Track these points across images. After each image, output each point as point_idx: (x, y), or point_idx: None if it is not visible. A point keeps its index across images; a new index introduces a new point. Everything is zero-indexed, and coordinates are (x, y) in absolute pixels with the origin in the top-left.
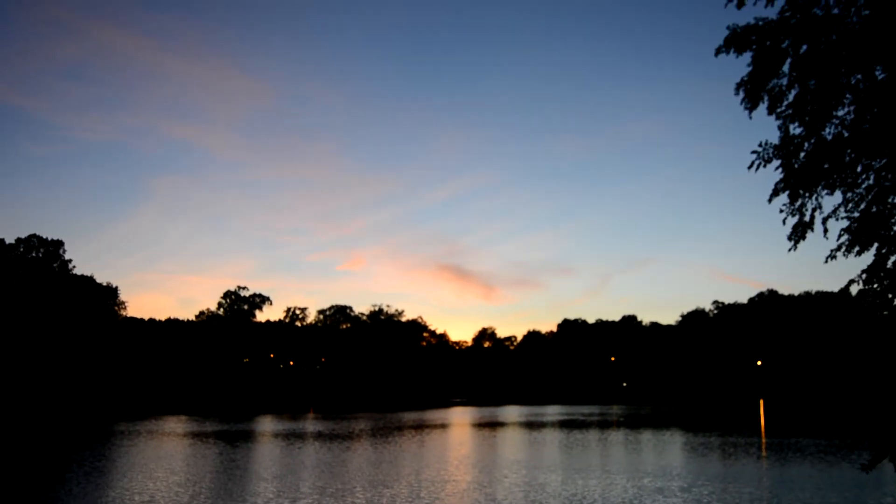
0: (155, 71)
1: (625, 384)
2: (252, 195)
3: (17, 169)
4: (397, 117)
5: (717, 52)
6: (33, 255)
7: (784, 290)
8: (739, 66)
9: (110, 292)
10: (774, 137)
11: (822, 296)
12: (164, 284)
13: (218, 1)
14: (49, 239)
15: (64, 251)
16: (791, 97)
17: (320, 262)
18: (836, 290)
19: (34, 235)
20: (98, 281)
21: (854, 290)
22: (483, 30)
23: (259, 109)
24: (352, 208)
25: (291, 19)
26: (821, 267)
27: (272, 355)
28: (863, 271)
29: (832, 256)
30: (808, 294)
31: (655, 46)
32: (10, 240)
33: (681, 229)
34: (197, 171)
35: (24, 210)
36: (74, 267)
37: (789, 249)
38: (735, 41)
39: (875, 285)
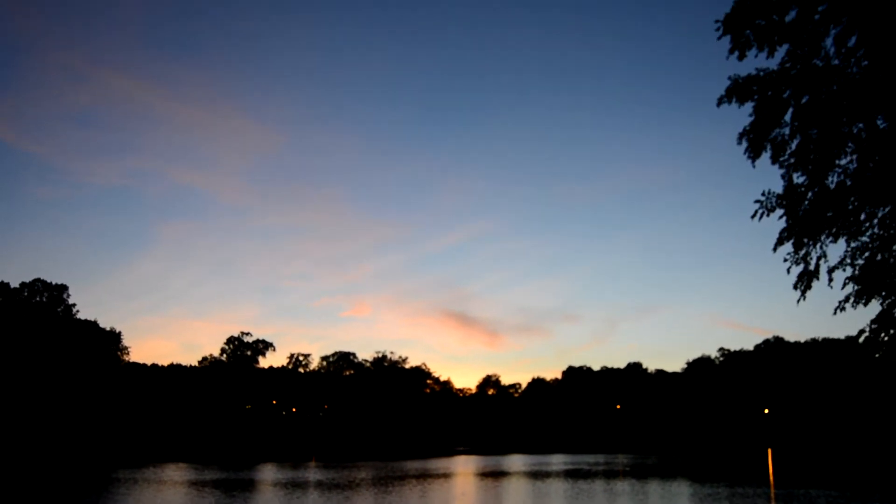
0: (163, 117)
1: (631, 433)
2: (258, 240)
3: (24, 212)
4: (403, 163)
5: (720, 101)
6: (37, 299)
7: (790, 337)
8: (742, 114)
9: (113, 337)
10: (778, 185)
11: (829, 343)
12: (167, 329)
13: (227, 48)
14: (53, 283)
15: (68, 295)
16: (793, 146)
17: (325, 308)
18: (843, 337)
19: (39, 280)
20: (101, 326)
21: (862, 338)
22: (489, 77)
23: (266, 155)
24: (357, 254)
25: (300, 67)
26: (827, 313)
27: (274, 402)
28: (872, 321)
29: (841, 308)
30: (814, 341)
31: (660, 94)
32: (14, 284)
33: (686, 276)
34: (203, 216)
35: (30, 254)
36: (78, 311)
37: (797, 300)
38: (737, 91)
39: (883, 335)
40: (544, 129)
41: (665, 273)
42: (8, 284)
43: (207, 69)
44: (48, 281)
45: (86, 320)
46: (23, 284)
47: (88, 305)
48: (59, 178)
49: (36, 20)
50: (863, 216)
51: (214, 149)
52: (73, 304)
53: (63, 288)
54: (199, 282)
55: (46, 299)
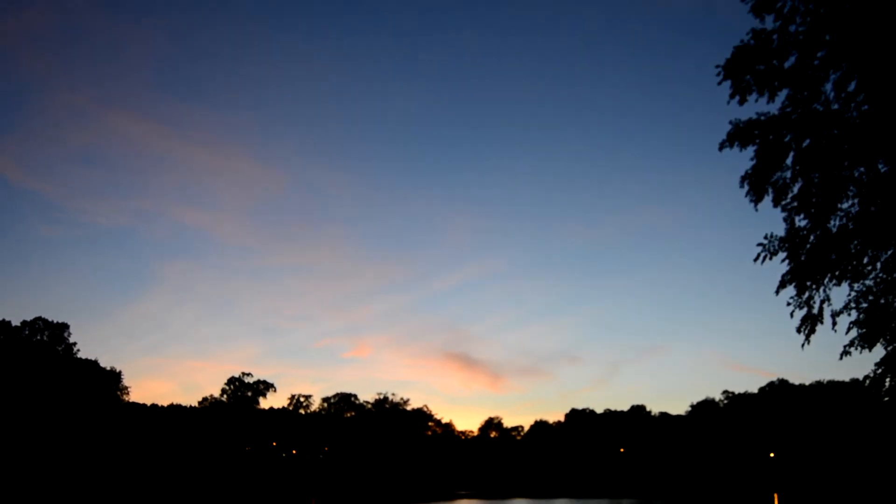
0: (167, 157)
1: (634, 477)
2: (260, 281)
3: (28, 251)
4: (406, 205)
5: (721, 146)
6: (38, 338)
7: (795, 379)
8: (744, 157)
9: (114, 377)
10: (780, 227)
11: (834, 386)
12: (168, 369)
13: (232, 90)
14: (55, 322)
15: (69, 334)
16: (795, 190)
17: (326, 349)
18: (848, 379)
19: (40, 318)
20: (102, 365)
21: (867, 381)
22: (492, 118)
23: (269, 195)
24: (359, 295)
25: (303, 108)
26: (833, 355)
27: (274, 444)
28: (876, 365)
29: (846, 352)
30: (819, 384)
31: (663, 136)
32: (16, 322)
33: (690, 317)
34: (205, 256)
35: (32, 292)
36: (79, 351)
37: (802, 345)
38: (739, 136)
39: (889, 379)
40: (547, 169)
41: (668, 315)
42: (9, 323)
43: (213, 110)
44: (49, 320)
45: (86, 360)
46: (24, 323)
47: (89, 344)
48: (64, 216)
49: (46, 62)
50: (866, 260)
51: (218, 189)
52: (74, 343)
53: (64, 327)
54: (199, 321)
55: (47, 338)
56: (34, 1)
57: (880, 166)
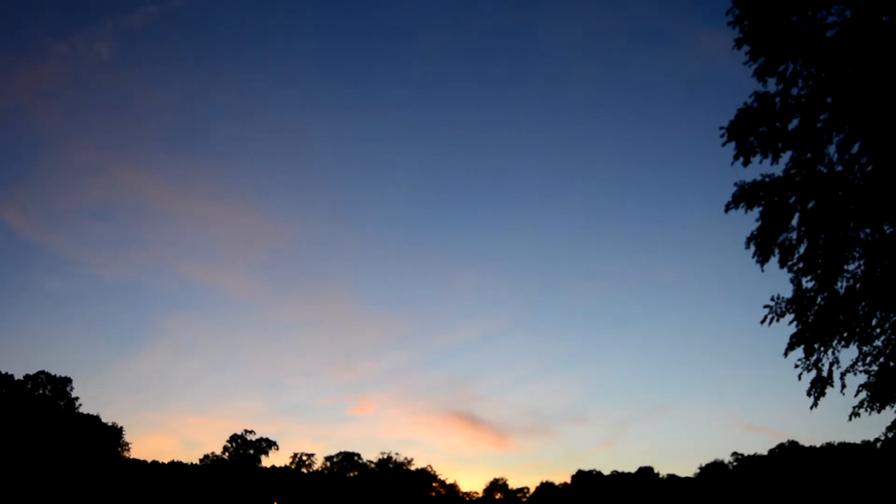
0: (174, 210)
1: None
2: (263, 335)
3: (32, 303)
4: (411, 261)
5: (727, 207)
6: (41, 392)
7: (805, 440)
8: (750, 217)
9: (115, 433)
10: (788, 286)
11: (845, 447)
12: (169, 425)
13: (240, 144)
14: (57, 376)
15: (71, 388)
16: (801, 251)
17: (329, 406)
18: (859, 441)
19: (42, 372)
20: (104, 420)
21: (878, 444)
22: (496, 177)
23: (275, 250)
24: (363, 351)
25: (311, 164)
26: (843, 415)
27: (276, 503)
28: (888, 428)
29: (855, 414)
30: (830, 445)
31: (668, 193)
32: (19, 376)
33: (698, 376)
34: (210, 309)
35: (35, 344)
36: (81, 405)
37: (811, 407)
38: (744, 197)
39: None
40: (553, 226)
41: (675, 373)
42: (12, 376)
43: (220, 165)
44: (52, 374)
45: (88, 415)
46: (27, 377)
47: (91, 398)
48: (69, 269)
49: (57, 115)
50: (874, 321)
51: (223, 243)
52: (77, 398)
53: (67, 381)
54: (202, 376)
55: (50, 392)
56: (48, 57)
57: (886, 228)
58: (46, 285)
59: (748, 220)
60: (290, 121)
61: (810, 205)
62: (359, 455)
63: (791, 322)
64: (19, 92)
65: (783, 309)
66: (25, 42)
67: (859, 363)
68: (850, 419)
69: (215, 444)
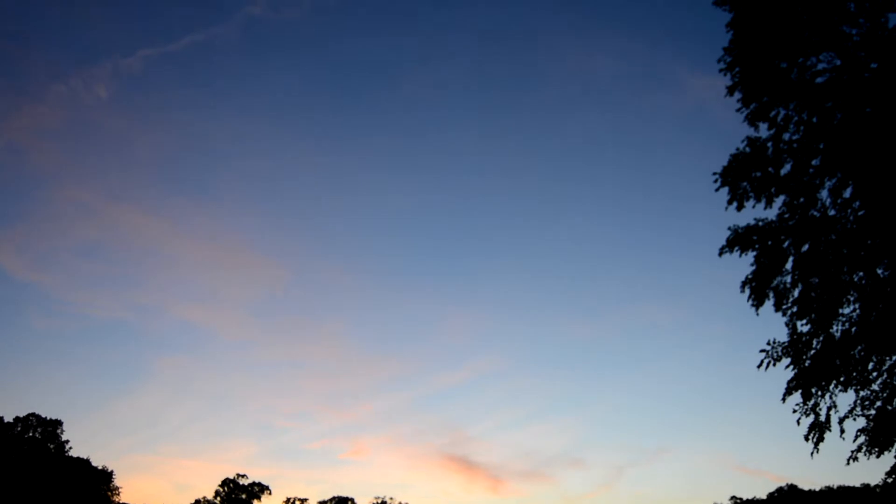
0: (169, 251)
1: None
2: (257, 377)
3: (23, 343)
4: (406, 302)
5: (721, 251)
6: (31, 434)
7: (805, 484)
8: (745, 260)
9: (105, 476)
10: (784, 329)
11: (845, 491)
12: (160, 468)
13: (234, 185)
14: (48, 419)
15: (62, 431)
16: (796, 294)
17: (322, 450)
18: (858, 484)
19: (33, 414)
20: (94, 464)
21: (878, 488)
22: (490, 216)
23: (269, 291)
24: (357, 393)
25: (305, 205)
26: (842, 457)
27: None
28: (886, 473)
29: (854, 458)
30: (829, 489)
31: (663, 235)
32: (8, 418)
33: (695, 419)
34: (202, 350)
35: (26, 385)
36: (71, 448)
37: (811, 452)
38: (738, 241)
39: None
40: (549, 268)
41: (673, 416)
42: (2, 419)
43: (216, 206)
44: (42, 416)
45: (78, 458)
46: (17, 419)
47: (82, 441)
48: (62, 309)
49: (53, 156)
50: (870, 365)
51: (218, 283)
52: (67, 441)
53: (57, 423)
54: (194, 418)
55: (40, 435)
56: (47, 98)
57: (879, 271)
58: (38, 326)
59: (743, 264)
60: (284, 164)
61: (804, 249)
62: (352, 499)
63: (788, 366)
64: (17, 132)
65: (780, 353)
66: (24, 83)
67: (857, 408)
68: (849, 463)
69: (207, 488)
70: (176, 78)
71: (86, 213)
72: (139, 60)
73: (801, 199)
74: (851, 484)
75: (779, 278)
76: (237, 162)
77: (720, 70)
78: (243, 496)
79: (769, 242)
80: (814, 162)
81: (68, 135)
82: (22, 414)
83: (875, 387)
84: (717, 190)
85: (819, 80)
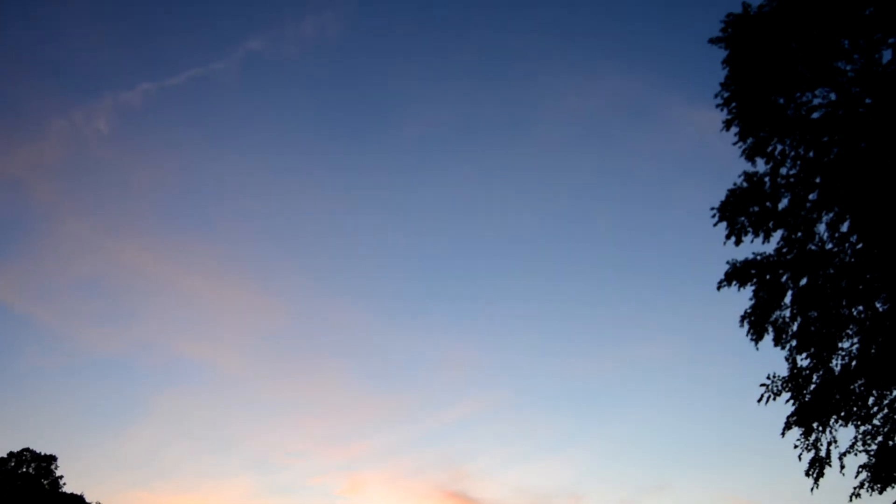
0: (167, 286)
1: None
2: (256, 413)
3: (20, 378)
4: (404, 339)
5: (720, 285)
6: (24, 469)
7: None
8: (743, 294)
9: None
10: (783, 363)
11: None
12: None
13: (234, 221)
14: (42, 454)
15: (56, 467)
16: (795, 328)
17: (321, 487)
18: None
19: (27, 449)
20: (88, 500)
21: None
22: (490, 253)
23: (268, 327)
24: (356, 430)
25: (305, 241)
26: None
27: None
28: None
29: (856, 494)
30: None
31: (661, 271)
32: (2, 453)
33: (696, 455)
34: (202, 387)
35: (22, 420)
36: (65, 484)
37: (811, 489)
38: (736, 275)
39: None
40: (548, 304)
41: (673, 452)
42: None
43: (215, 241)
44: (37, 451)
45: (72, 494)
46: (10, 454)
47: (76, 476)
48: (59, 344)
49: (53, 191)
50: (871, 400)
51: (216, 319)
52: (61, 476)
53: (52, 459)
54: (191, 455)
55: (34, 470)
56: (46, 134)
57: (878, 305)
58: (35, 360)
59: (742, 298)
60: (285, 200)
61: (802, 283)
62: None
63: (788, 401)
64: (17, 167)
65: (779, 388)
66: (25, 118)
67: (858, 443)
68: (851, 500)
69: None
70: (176, 112)
71: (84, 246)
72: (139, 94)
73: (799, 234)
74: None
75: (778, 312)
76: (238, 197)
77: (716, 105)
78: None
79: (767, 276)
80: (811, 196)
81: (68, 169)
82: (16, 449)
83: (876, 422)
84: (715, 225)
85: (815, 115)
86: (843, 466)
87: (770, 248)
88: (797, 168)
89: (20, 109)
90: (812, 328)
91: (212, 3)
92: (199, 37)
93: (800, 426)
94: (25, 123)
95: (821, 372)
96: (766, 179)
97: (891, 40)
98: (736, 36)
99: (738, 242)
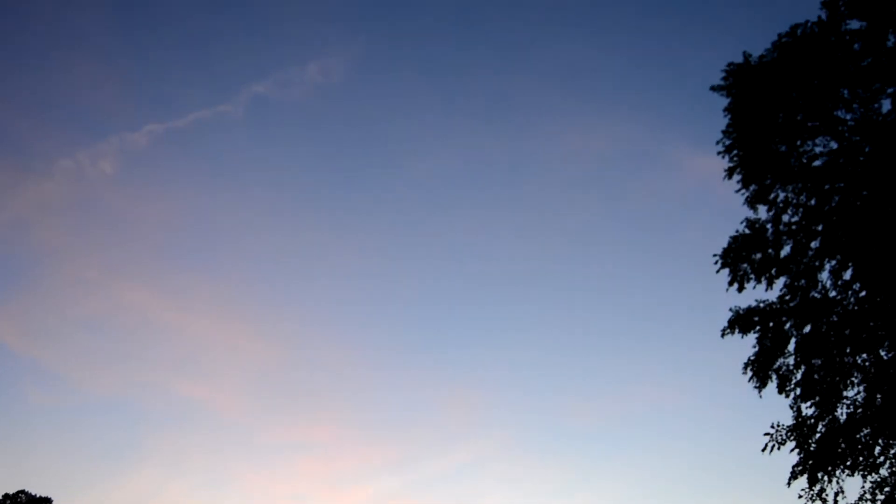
0: (168, 327)
1: None
2: (255, 457)
3: (16, 418)
4: (405, 383)
5: (723, 333)
6: None
7: None
8: (748, 341)
9: None
10: (787, 411)
11: None
12: None
13: (235, 263)
14: (38, 496)
15: None
16: (799, 376)
17: None
18: None
19: (22, 491)
20: None
21: None
22: (493, 299)
23: (268, 370)
24: (356, 475)
25: (305, 285)
26: None
27: None
28: None
29: None
30: None
31: (664, 314)
32: None
33: (702, 502)
34: (200, 429)
35: (19, 461)
36: None
37: None
38: (739, 323)
39: None
40: (548, 349)
41: (677, 499)
42: None
43: (216, 282)
44: (32, 493)
45: None
46: (6, 496)
47: None
48: (58, 384)
49: (55, 231)
50: (877, 450)
51: (219, 361)
52: None
53: (47, 501)
54: (188, 498)
55: None
56: (53, 173)
57: (882, 353)
58: (33, 400)
59: (745, 345)
60: (286, 243)
61: (806, 330)
62: None
63: (793, 450)
64: (22, 207)
65: (784, 437)
66: (32, 158)
67: (867, 493)
68: None
69: None
70: (181, 153)
71: (86, 286)
72: (145, 136)
73: (802, 281)
74: None
75: (781, 360)
76: (241, 239)
77: (718, 153)
78: None
79: (770, 324)
80: (813, 244)
81: (73, 209)
82: (12, 490)
83: (883, 472)
84: (717, 272)
85: (816, 163)
86: None
87: (773, 295)
88: (799, 215)
89: (28, 151)
90: (816, 376)
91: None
92: (206, 79)
93: (805, 476)
94: (32, 164)
95: (826, 420)
96: (769, 227)
97: (889, 90)
98: (737, 84)
99: (740, 289)
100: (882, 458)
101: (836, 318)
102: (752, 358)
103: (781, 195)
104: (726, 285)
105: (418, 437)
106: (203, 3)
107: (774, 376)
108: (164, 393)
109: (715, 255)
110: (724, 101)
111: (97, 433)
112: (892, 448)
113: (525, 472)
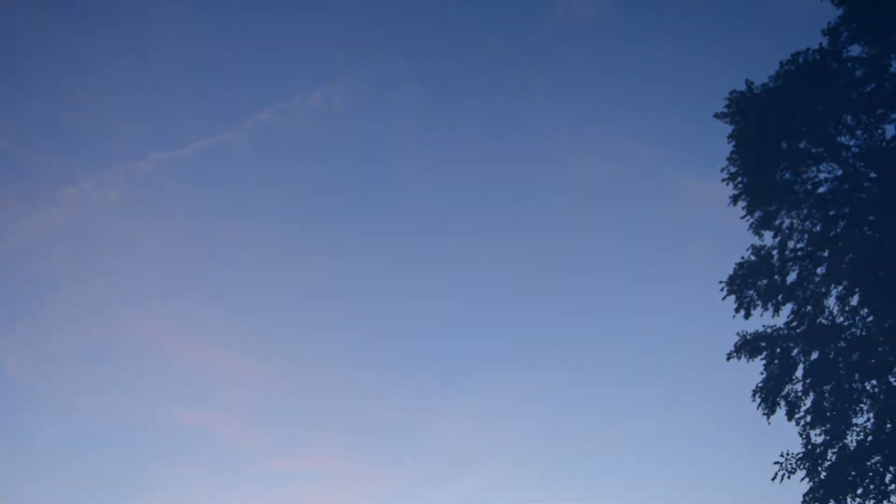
0: (173, 355)
1: None
2: (258, 486)
3: (18, 447)
4: (409, 411)
5: (729, 357)
6: None
7: None
8: (754, 366)
9: None
10: (797, 439)
11: None
12: None
13: (240, 291)
14: None
15: None
16: (808, 403)
17: None
18: None
19: None
20: None
21: None
22: (493, 328)
23: (272, 398)
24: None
25: (310, 312)
26: None
27: None
28: None
29: None
30: None
31: (668, 343)
32: None
33: None
34: (203, 458)
35: (20, 492)
36: None
37: None
38: (746, 347)
39: None
40: (554, 379)
41: None
42: None
43: (222, 311)
44: None
45: None
46: None
47: None
48: (61, 413)
49: (62, 258)
50: (888, 477)
51: (222, 389)
52: None
53: None
54: None
55: None
56: (58, 202)
57: (891, 380)
58: (35, 430)
59: (752, 372)
60: (291, 270)
61: (814, 356)
62: None
63: (803, 479)
64: (26, 234)
65: (794, 466)
66: (36, 187)
67: None
68: None
69: None
70: (185, 181)
71: (90, 314)
72: (150, 164)
73: (809, 307)
74: None
75: (790, 386)
76: (245, 265)
77: (723, 180)
78: None
79: (778, 350)
80: (819, 270)
81: (77, 238)
82: None
83: (894, 499)
84: (723, 298)
85: (821, 189)
86: None
87: (780, 321)
88: (805, 241)
89: (33, 179)
90: (825, 403)
91: (222, 76)
92: (210, 108)
93: None
94: (37, 192)
95: (836, 448)
96: (775, 253)
97: (893, 115)
98: (740, 112)
99: (747, 316)
100: (893, 486)
101: (843, 344)
102: (759, 385)
103: (787, 221)
104: (733, 312)
105: (422, 466)
106: (206, 31)
107: (783, 403)
108: (167, 421)
109: (721, 282)
110: (728, 128)
111: (101, 463)
112: None
113: (529, 501)
